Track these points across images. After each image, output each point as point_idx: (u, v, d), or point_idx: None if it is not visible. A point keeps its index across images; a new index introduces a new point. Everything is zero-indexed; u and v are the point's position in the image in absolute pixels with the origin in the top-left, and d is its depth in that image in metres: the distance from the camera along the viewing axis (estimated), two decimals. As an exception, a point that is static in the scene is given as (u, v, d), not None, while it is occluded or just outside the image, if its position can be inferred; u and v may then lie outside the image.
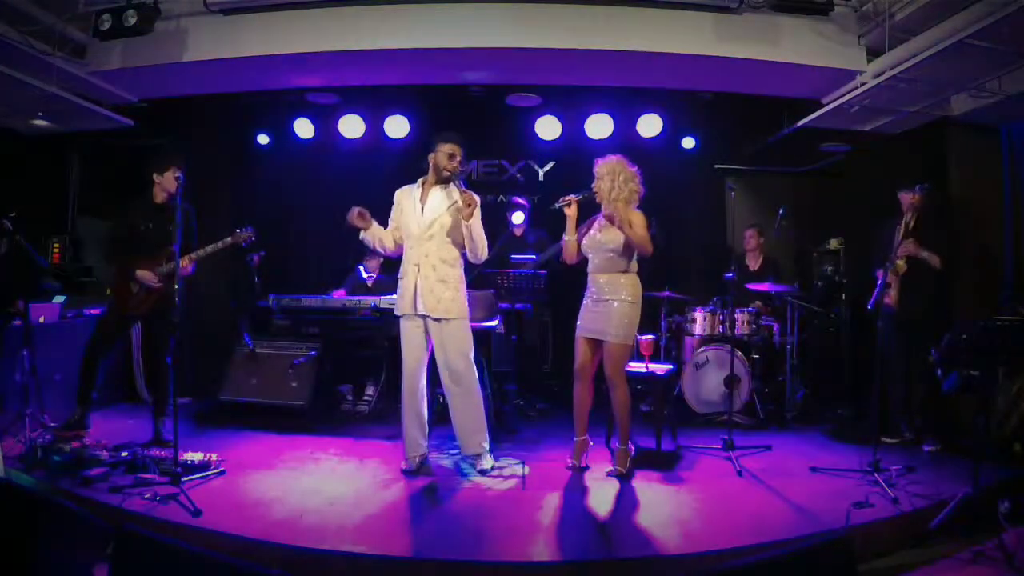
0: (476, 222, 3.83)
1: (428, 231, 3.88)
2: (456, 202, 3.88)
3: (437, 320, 3.85)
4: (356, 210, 3.96)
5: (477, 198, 3.85)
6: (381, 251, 4.12)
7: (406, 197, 4.03)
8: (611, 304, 3.84)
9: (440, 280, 3.86)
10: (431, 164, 3.97)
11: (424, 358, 3.95)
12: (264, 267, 5.60)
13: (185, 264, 4.22)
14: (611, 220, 3.87)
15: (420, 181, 4.02)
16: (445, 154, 3.90)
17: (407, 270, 3.92)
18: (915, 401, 4.62)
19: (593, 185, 3.95)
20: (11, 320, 4.44)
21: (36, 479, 3.55)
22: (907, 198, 4.54)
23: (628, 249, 3.88)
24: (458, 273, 3.97)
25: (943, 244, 4.49)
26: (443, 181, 3.94)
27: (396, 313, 4.00)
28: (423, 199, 3.95)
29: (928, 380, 4.36)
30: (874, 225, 4.91)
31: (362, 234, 4.02)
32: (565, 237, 4.01)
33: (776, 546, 2.94)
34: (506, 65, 5.18)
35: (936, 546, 3.19)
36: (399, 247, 4.04)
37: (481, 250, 3.92)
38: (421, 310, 3.84)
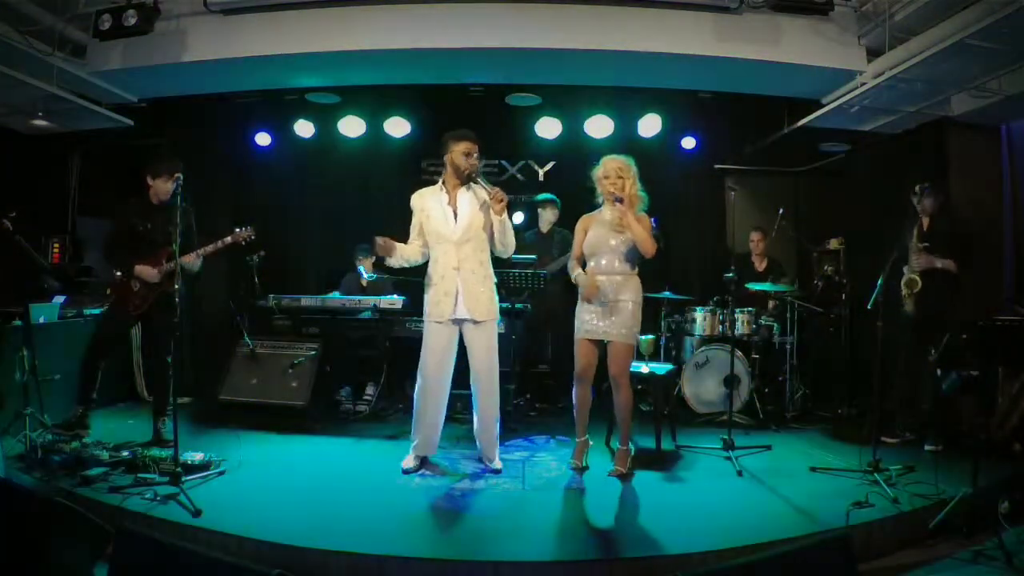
0: (506, 216, 3.83)
1: (465, 235, 3.84)
2: (485, 201, 3.85)
3: (476, 322, 3.83)
4: (381, 241, 3.86)
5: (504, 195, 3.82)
6: (406, 265, 4.01)
7: (430, 201, 3.91)
8: (617, 305, 3.84)
9: (480, 282, 3.86)
10: (448, 166, 3.90)
11: (452, 361, 3.93)
12: (264, 267, 5.61)
13: (192, 259, 4.26)
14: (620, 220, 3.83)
15: (440, 184, 3.95)
16: (461, 153, 3.84)
17: (444, 274, 3.83)
18: (921, 401, 4.60)
19: (610, 182, 3.85)
20: (11, 320, 4.44)
21: (36, 479, 3.55)
22: (922, 202, 4.51)
23: (634, 250, 3.87)
24: (492, 272, 3.97)
25: (958, 245, 4.43)
26: (466, 181, 3.89)
27: (430, 320, 3.86)
28: (452, 203, 3.88)
29: (933, 380, 4.36)
30: (890, 226, 4.84)
31: (388, 260, 3.96)
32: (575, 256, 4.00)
33: (776, 546, 2.93)
34: (506, 65, 5.18)
35: (936, 546, 3.19)
36: (425, 255, 3.97)
37: (511, 244, 3.92)
38: (463, 314, 3.81)
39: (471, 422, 4.11)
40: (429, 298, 3.89)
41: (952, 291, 4.44)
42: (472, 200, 3.88)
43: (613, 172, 3.87)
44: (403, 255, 3.94)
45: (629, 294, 3.86)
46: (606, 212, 3.95)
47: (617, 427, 4.08)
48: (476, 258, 3.86)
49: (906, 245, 4.52)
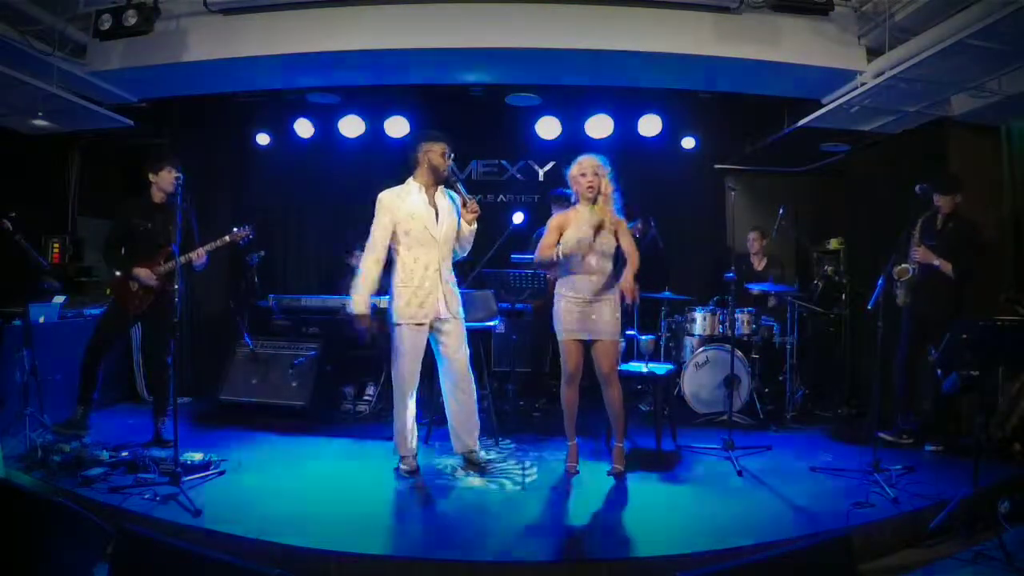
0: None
1: (445, 235, 3.88)
2: (456, 205, 3.91)
3: (449, 319, 3.88)
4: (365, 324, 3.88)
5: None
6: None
7: (411, 201, 3.84)
8: (603, 304, 3.85)
9: (453, 281, 3.95)
10: (425, 165, 3.88)
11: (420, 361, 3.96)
12: (264, 267, 5.62)
13: (200, 254, 4.27)
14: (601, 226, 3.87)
15: (417, 185, 3.89)
16: (440, 154, 3.86)
17: (427, 276, 3.81)
18: (924, 403, 4.58)
19: (587, 180, 3.86)
20: (11, 320, 4.44)
21: (36, 479, 3.55)
22: (940, 200, 4.46)
23: (617, 252, 3.89)
24: None
25: (966, 248, 4.40)
26: (441, 182, 3.92)
27: (410, 322, 3.81)
28: (433, 204, 3.89)
29: (933, 380, 4.35)
30: (890, 226, 4.80)
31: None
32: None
33: (776, 546, 2.93)
34: (506, 65, 5.17)
35: (936, 546, 3.19)
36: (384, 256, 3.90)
37: (469, 248, 4.05)
38: (443, 314, 3.86)
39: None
40: (408, 300, 3.80)
41: (949, 295, 4.42)
42: (449, 203, 3.94)
43: (590, 170, 3.87)
44: (372, 280, 3.84)
45: (613, 293, 3.86)
46: (583, 211, 3.91)
47: (612, 425, 4.07)
48: (448, 260, 3.94)
49: (907, 243, 4.51)
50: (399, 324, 3.84)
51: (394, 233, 3.84)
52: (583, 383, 4.01)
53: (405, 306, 3.82)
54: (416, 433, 4.02)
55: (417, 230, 3.82)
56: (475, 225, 3.92)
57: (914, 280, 4.47)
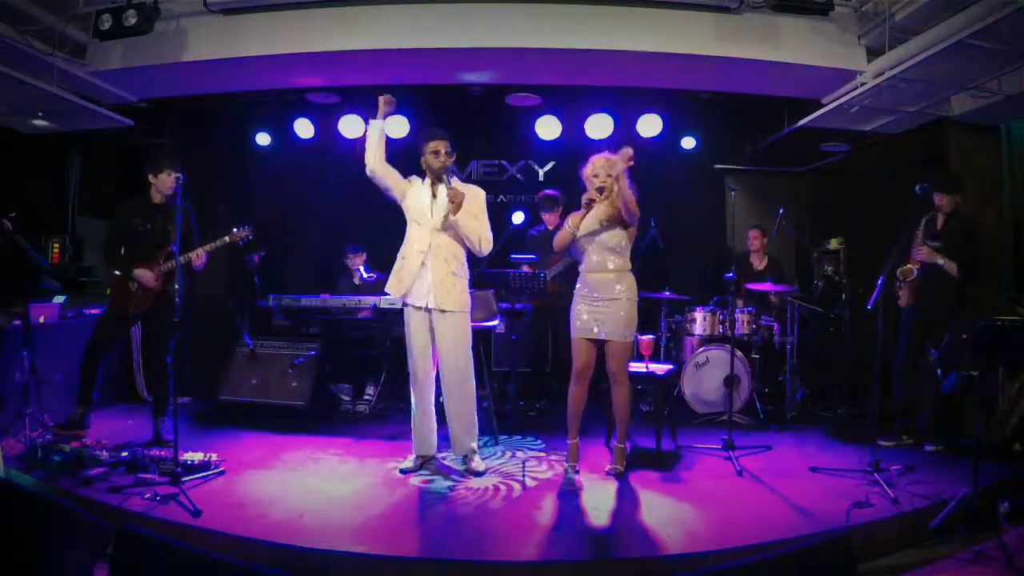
0: (468, 217, 3.85)
1: (440, 224, 3.90)
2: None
3: (443, 311, 3.87)
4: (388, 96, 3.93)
5: (474, 191, 3.88)
6: (367, 151, 3.95)
7: (418, 184, 4.00)
8: (615, 303, 3.84)
9: (452, 273, 3.91)
10: (424, 167, 3.98)
11: (431, 349, 3.96)
12: (264, 267, 5.61)
13: (200, 255, 4.28)
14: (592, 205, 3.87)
15: (428, 178, 4.00)
16: (430, 152, 3.91)
17: (412, 255, 3.90)
18: (924, 403, 4.58)
19: (600, 180, 3.85)
20: (11, 320, 4.44)
21: (36, 479, 3.55)
22: (941, 199, 4.46)
23: (626, 248, 3.89)
24: (466, 270, 4.01)
25: (968, 247, 4.39)
26: (438, 179, 3.94)
27: (389, 292, 3.99)
28: (434, 193, 3.95)
29: (933, 380, 4.35)
30: (891, 226, 4.80)
31: (373, 123, 3.94)
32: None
33: (776, 546, 2.94)
34: (506, 65, 5.18)
35: (936, 546, 3.19)
36: (376, 171, 3.92)
37: (478, 243, 3.93)
38: (432, 304, 3.86)
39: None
40: (396, 269, 3.97)
41: (952, 294, 4.42)
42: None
43: (602, 171, 3.87)
44: (380, 143, 3.94)
45: (623, 291, 3.86)
46: (596, 207, 3.91)
47: (616, 425, 4.07)
48: (449, 250, 3.91)
49: (908, 243, 4.50)
50: (403, 306, 4.00)
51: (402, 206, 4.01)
52: (596, 382, 4.01)
53: (393, 275, 3.98)
54: (425, 432, 4.02)
55: (412, 209, 3.96)
56: (464, 216, 3.83)
57: (918, 281, 4.46)
